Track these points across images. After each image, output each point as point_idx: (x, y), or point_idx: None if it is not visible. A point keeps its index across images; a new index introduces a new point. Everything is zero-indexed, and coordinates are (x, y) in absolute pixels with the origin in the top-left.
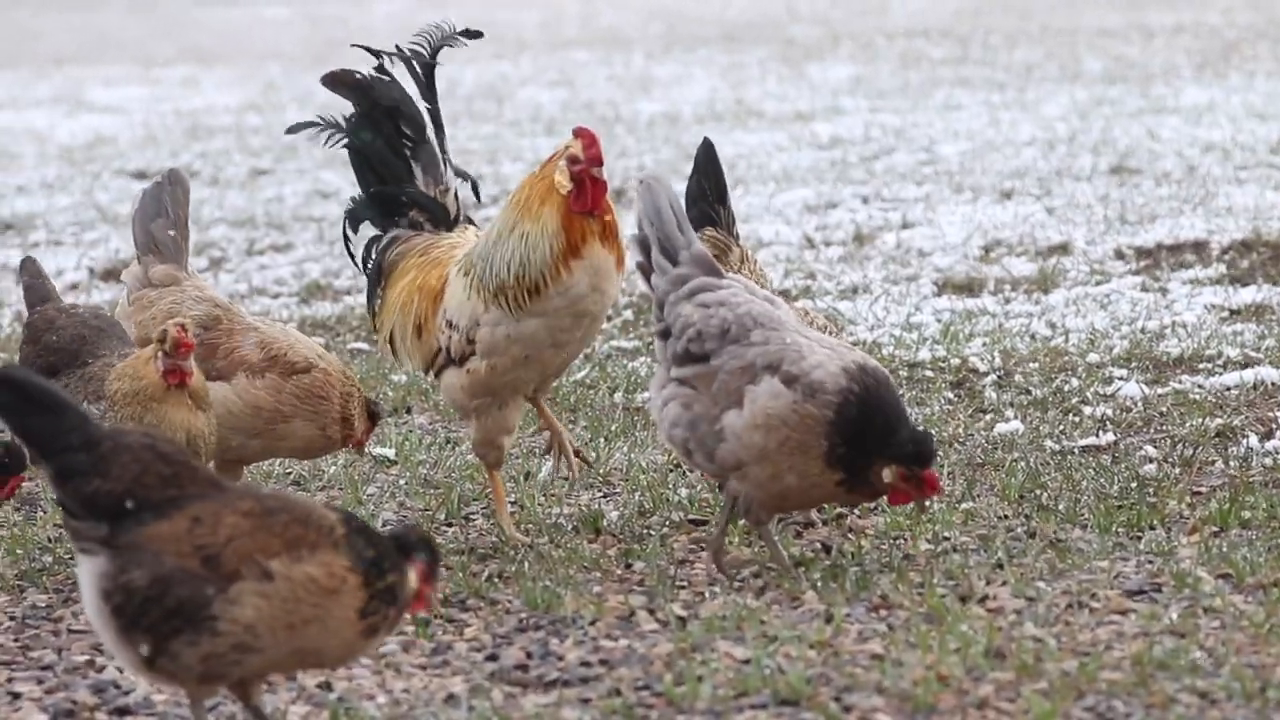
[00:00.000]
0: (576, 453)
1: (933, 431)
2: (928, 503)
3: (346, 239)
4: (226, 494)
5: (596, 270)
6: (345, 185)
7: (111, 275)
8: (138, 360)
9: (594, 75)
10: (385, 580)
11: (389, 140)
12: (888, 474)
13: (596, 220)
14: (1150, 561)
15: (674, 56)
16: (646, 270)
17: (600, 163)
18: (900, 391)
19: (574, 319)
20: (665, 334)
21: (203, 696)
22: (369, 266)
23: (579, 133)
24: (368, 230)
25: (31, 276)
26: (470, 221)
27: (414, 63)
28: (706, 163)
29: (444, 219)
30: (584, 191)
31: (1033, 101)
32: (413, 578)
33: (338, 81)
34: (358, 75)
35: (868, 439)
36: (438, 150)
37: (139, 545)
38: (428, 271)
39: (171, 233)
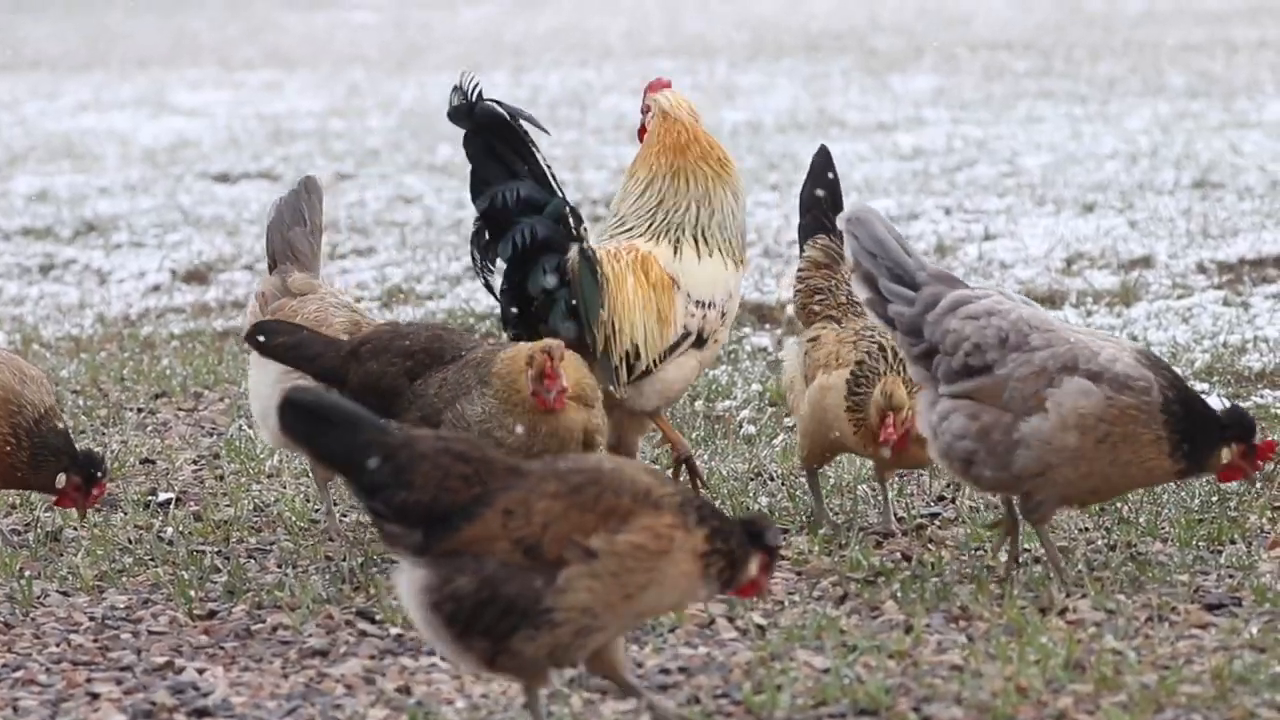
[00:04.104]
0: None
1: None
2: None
3: (487, 281)
4: (530, 479)
5: None
6: (427, 190)
7: (194, 277)
8: (514, 365)
9: (678, 83)
10: (729, 544)
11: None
12: (1226, 454)
13: None
14: (1231, 575)
15: (758, 65)
16: (878, 304)
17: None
18: None
19: None
20: (930, 354)
21: (540, 685)
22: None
23: (658, 84)
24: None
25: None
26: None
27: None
28: (823, 170)
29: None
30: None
31: (1115, 115)
32: (754, 567)
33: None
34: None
35: (1204, 426)
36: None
37: (457, 550)
38: (643, 268)
39: (310, 241)
